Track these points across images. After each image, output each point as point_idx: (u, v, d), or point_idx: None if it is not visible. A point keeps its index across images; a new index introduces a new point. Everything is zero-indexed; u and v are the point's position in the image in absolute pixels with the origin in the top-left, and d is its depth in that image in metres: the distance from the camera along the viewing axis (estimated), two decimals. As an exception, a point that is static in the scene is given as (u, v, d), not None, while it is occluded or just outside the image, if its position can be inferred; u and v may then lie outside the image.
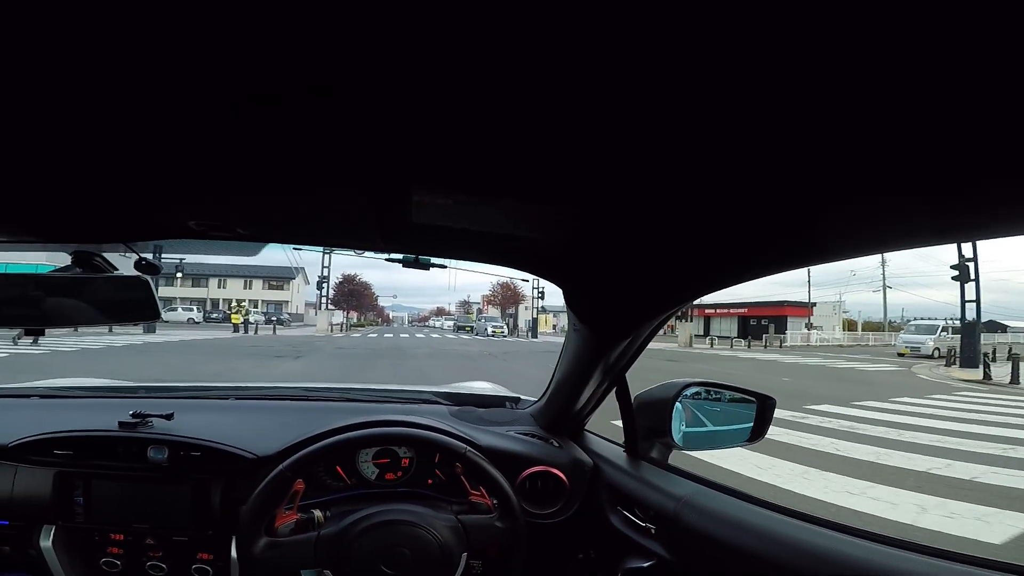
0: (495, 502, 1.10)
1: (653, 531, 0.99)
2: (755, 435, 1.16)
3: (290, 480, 1.04)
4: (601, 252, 0.80)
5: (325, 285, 30.39)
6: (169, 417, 1.21)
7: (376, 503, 1.08)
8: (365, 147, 0.50)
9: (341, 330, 34.19)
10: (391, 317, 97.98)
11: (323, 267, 29.11)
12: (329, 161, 0.55)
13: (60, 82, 0.40)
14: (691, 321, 28.03)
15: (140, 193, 0.71)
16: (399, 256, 1.12)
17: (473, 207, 0.69)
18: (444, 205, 0.68)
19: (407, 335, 31.21)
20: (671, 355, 16.69)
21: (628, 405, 1.17)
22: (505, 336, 30.77)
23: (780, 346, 27.15)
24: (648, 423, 1.17)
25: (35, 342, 11.24)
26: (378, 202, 0.69)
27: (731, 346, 26.84)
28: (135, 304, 0.95)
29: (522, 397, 1.62)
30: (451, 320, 59.57)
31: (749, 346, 26.39)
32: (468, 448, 1.11)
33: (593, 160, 0.50)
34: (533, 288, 33.56)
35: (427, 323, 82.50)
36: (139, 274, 0.93)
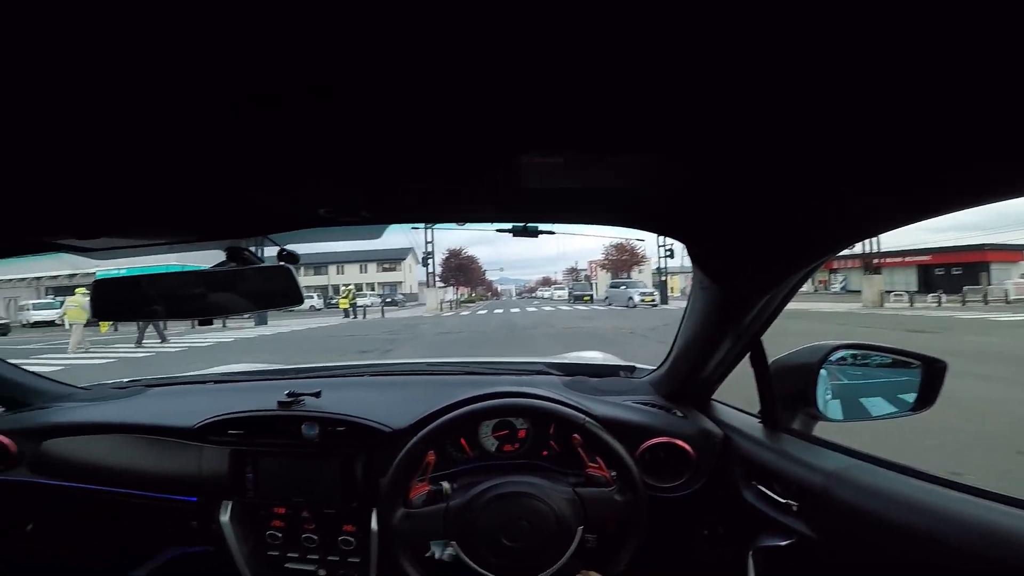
0: (614, 474, 1.07)
1: (795, 508, 0.91)
2: (922, 403, 1.00)
3: (424, 451, 1.08)
4: (731, 201, 0.73)
5: (431, 261, 28.29)
6: (317, 395, 1.31)
7: (497, 475, 1.10)
8: (475, 119, 0.50)
9: (451, 307, 32.42)
10: (499, 290, 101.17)
11: (426, 242, 27.18)
12: (444, 137, 0.55)
13: (206, 92, 0.43)
14: (878, 273, 19.06)
15: (281, 187, 0.76)
16: (508, 225, 1.12)
17: (588, 165, 0.66)
18: (556, 165, 0.66)
19: (517, 309, 28.15)
20: (862, 320, 12.65)
21: (765, 372, 1.06)
22: (656, 304, 22.76)
23: (986, 301, 19.03)
24: (788, 391, 1.07)
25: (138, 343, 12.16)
26: (491, 170, 0.69)
27: (910, 303, 19.49)
28: (281, 291, 1.01)
29: (637, 366, 1.57)
30: (561, 289, 55.22)
31: (940, 303, 18.74)
32: (587, 419, 1.09)
33: (716, 109, 0.47)
34: (660, 246, 27.37)
35: (534, 294, 79.23)
36: (282, 263, 1.00)
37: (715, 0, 0.31)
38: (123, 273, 1.01)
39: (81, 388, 1.63)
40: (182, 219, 0.93)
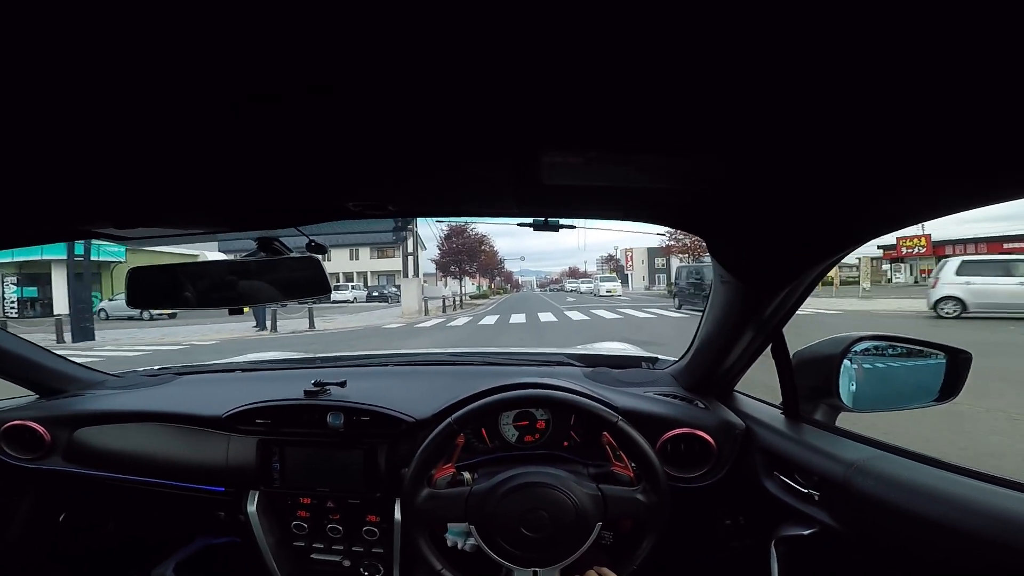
0: (637, 473, 1.06)
1: (817, 497, 0.91)
2: (946, 393, 1.00)
3: (455, 433, 1.09)
4: (750, 195, 0.73)
5: (410, 237, 19.47)
6: (343, 384, 1.32)
7: (518, 465, 1.10)
8: (502, 116, 0.51)
9: (444, 309, 21.68)
10: (520, 282, 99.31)
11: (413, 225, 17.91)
12: (468, 131, 0.56)
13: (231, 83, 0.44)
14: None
15: (314, 180, 0.78)
16: (529, 220, 1.13)
17: (607, 164, 0.67)
18: (577, 164, 0.67)
19: (551, 316, 15.80)
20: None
21: (787, 363, 1.07)
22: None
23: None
24: (810, 382, 1.07)
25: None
26: (513, 167, 0.70)
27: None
28: (309, 282, 1.04)
29: (660, 357, 1.57)
30: (588, 283, 46.29)
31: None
32: (620, 418, 1.07)
33: (736, 106, 0.47)
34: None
35: (561, 286, 68.73)
36: (311, 254, 1.03)
37: None
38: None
39: (113, 375, 1.66)
40: (215, 209, 0.94)
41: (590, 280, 49.75)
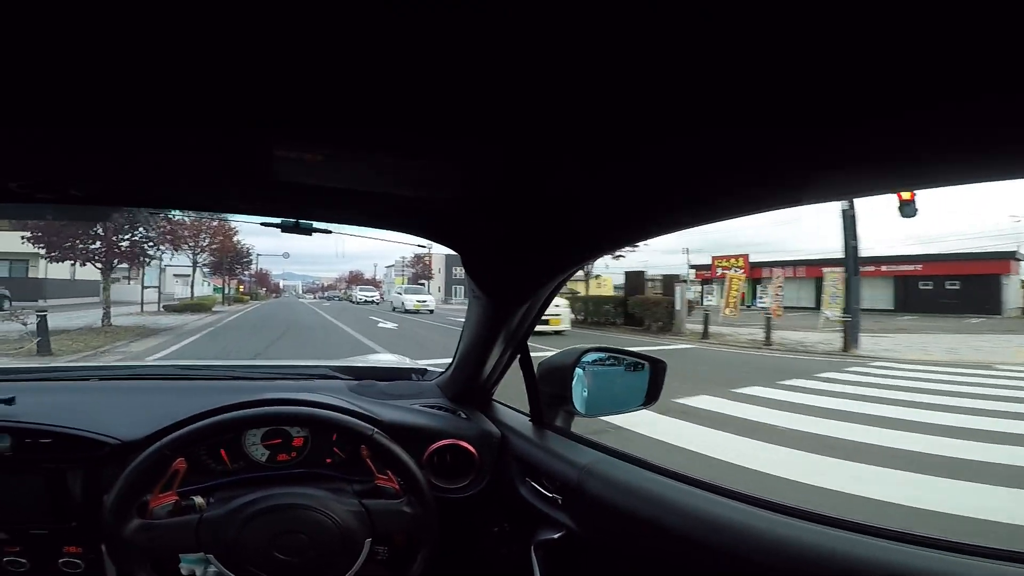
0: (402, 485, 1.05)
1: (560, 501, 0.99)
2: (649, 398, 1.19)
3: (169, 459, 0.96)
4: (494, 212, 0.76)
5: None
6: (9, 402, 1.08)
7: (268, 487, 1.02)
8: (213, 98, 0.44)
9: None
10: (281, 286, 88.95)
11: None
12: (176, 105, 0.47)
13: None
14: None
15: None
16: (276, 220, 1.00)
17: (348, 163, 0.62)
18: (312, 161, 0.61)
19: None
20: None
21: (531, 373, 1.15)
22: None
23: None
24: (551, 390, 1.17)
25: None
26: (233, 157, 0.61)
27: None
28: None
29: (428, 368, 1.57)
30: (369, 291, 39.12)
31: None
32: (375, 430, 1.05)
33: (489, 112, 0.46)
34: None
35: (342, 295, 57.58)
36: None
37: None
38: None
39: None
40: None
41: (370, 289, 43.22)
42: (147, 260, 13.81)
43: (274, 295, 61.73)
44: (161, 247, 15.60)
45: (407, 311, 22.29)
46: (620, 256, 15.78)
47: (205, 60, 0.39)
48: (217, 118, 0.50)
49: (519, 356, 1.16)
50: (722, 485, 0.81)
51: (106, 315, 11.50)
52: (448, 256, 42.76)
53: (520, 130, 0.50)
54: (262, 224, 1.04)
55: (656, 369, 1.18)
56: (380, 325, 13.96)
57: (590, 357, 1.18)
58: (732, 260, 20.41)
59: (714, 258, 22.65)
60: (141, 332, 11.14)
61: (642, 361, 1.20)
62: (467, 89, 0.42)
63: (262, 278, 56.70)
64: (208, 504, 0.99)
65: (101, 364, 1.49)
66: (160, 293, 20.20)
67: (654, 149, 0.50)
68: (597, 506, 0.90)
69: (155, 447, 0.95)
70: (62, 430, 1.07)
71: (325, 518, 0.97)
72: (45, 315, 8.17)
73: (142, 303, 17.88)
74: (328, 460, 1.17)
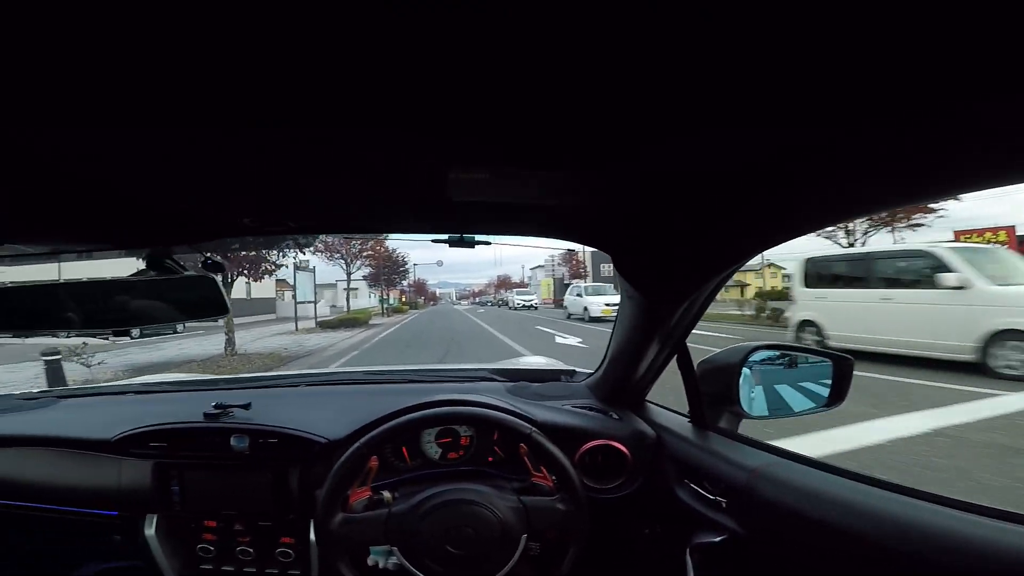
0: (556, 483, 1.08)
1: (724, 504, 0.95)
2: (833, 399, 1.08)
3: (366, 457, 1.07)
4: (646, 213, 0.76)
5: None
6: (247, 407, 1.27)
7: (441, 482, 1.09)
8: (402, 127, 0.50)
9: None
10: (437, 294, 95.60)
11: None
12: (369, 147, 0.55)
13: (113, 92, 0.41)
14: None
15: (199, 195, 0.74)
16: (444, 236, 1.11)
17: (511, 181, 0.67)
18: (482, 181, 0.67)
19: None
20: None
21: (691, 373, 1.11)
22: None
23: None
24: (713, 391, 1.12)
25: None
26: (415, 183, 0.69)
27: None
28: (205, 302, 0.99)
29: (577, 370, 1.60)
30: (527, 295, 35.49)
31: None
32: (533, 430, 1.09)
33: (632, 124, 0.48)
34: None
35: (497, 300, 56.42)
36: (207, 273, 0.97)
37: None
38: None
39: None
40: (95, 225, 0.88)
41: (527, 292, 38.74)
42: (273, 268, 11.97)
43: (431, 303, 65.77)
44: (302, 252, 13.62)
45: (592, 319, 16.39)
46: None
47: (410, 106, 0.45)
48: (402, 147, 0.56)
49: (676, 356, 1.12)
50: (916, 488, 0.73)
51: (229, 342, 9.89)
52: (594, 253, 38.54)
53: (685, 125, 0.50)
54: (432, 241, 1.15)
55: (842, 366, 1.07)
56: (558, 341, 11.30)
57: (759, 356, 1.11)
58: (988, 235, 13.38)
59: (958, 233, 14.50)
60: (271, 360, 9.49)
61: (824, 359, 1.09)
62: (628, 100, 0.44)
63: (419, 287, 59.72)
64: (394, 499, 1.08)
65: (306, 372, 1.76)
66: (316, 307, 18.73)
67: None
68: (769, 510, 0.85)
69: (357, 446, 1.06)
70: (285, 431, 1.21)
71: (490, 513, 1.02)
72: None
73: (296, 319, 17.33)
74: (490, 459, 1.24)
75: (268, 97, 0.45)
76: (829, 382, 1.08)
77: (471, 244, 1.13)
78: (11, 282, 0.94)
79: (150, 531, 1.22)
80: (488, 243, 1.13)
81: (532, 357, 2.12)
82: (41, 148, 0.53)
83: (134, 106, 0.44)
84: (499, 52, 0.36)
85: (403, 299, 40.05)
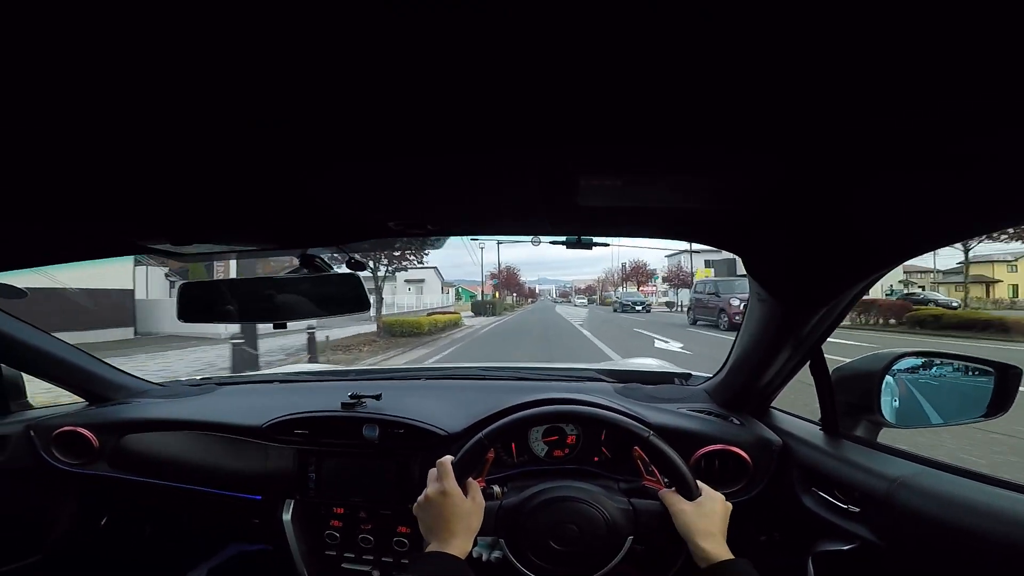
0: (670, 487, 1.05)
1: (857, 513, 0.91)
2: (995, 408, 0.97)
3: (486, 448, 1.08)
4: (786, 213, 0.73)
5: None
6: (378, 397, 1.34)
7: (548, 479, 1.09)
8: (533, 133, 0.52)
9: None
10: (537, 291, 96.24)
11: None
12: (501, 150, 0.58)
13: (301, 106, 0.47)
14: None
15: (356, 199, 0.81)
16: (562, 238, 1.13)
17: (641, 184, 0.68)
18: (612, 185, 0.68)
19: None
20: None
21: (826, 380, 1.06)
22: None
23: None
24: (850, 399, 1.06)
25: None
26: (547, 188, 0.71)
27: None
28: (348, 299, 1.06)
29: (693, 373, 1.56)
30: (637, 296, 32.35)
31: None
32: (651, 433, 1.06)
33: (770, 119, 0.47)
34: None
35: (616, 301, 47.19)
36: (351, 271, 1.06)
37: None
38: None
39: (157, 385, 1.69)
40: (263, 226, 0.97)
41: (637, 294, 34.78)
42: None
43: (531, 300, 65.75)
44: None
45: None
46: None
47: (545, 119, 0.47)
48: (538, 155, 0.59)
49: (809, 362, 1.07)
50: None
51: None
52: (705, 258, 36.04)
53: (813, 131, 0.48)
54: (551, 243, 1.19)
55: (1007, 376, 0.96)
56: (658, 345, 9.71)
57: (905, 363, 1.03)
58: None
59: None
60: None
61: (986, 367, 0.99)
62: (763, 99, 0.43)
63: (517, 283, 58.25)
64: (504, 493, 1.09)
65: (425, 366, 1.86)
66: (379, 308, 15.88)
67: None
68: (913, 519, 0.81)
69: (478, 437, 1.07)
70: (412, 422, 1.26)
71: (597, 512, 1.01)
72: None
73: (379, 318, 14.67)
74: (595, 459, 1.23)
75: (427, 127, 0.49)
76: (990, 390, 0.97)
77: (588, 246, 1.15)
78: (196, 279, 1.08)
79: (287, 516, 1.28)
80: (607, 244, 1.14)
81: (643, 359, 2.09)
82: (224, 160, 0.61)
83: (350, 143, 0.52)
84: (645, 56, 0.36)
85: (496, 294, 37.95)
